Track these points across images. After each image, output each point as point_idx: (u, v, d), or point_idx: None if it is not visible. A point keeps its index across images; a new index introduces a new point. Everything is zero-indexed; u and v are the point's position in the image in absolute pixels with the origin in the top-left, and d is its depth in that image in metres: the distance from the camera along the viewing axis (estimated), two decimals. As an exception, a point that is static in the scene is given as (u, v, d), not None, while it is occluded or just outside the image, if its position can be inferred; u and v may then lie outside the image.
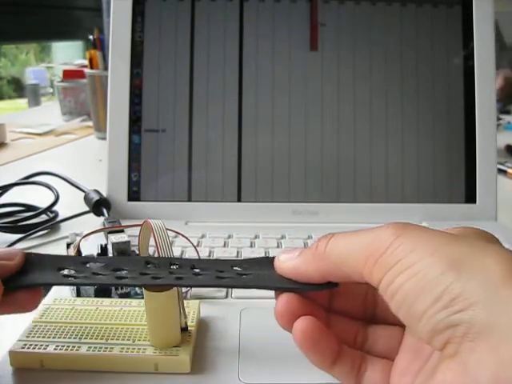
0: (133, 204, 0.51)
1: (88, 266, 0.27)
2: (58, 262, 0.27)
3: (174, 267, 0.27)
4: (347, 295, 0.27)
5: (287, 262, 0.26)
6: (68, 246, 0.42)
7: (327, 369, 0.25)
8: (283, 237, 0.46)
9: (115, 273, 0.26)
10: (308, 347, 0.24)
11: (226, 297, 0.36)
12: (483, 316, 0.18)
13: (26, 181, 0.61)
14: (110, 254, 0.38)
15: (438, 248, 0.21)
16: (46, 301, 0.33)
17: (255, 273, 0.27)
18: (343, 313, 0.27)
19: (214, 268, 0.27)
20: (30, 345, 0.28)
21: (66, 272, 0.26)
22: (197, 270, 0.27)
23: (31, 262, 0.27)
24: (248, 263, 0.28)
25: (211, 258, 0.42)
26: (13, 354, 0.28)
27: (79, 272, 0.26)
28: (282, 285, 0.26)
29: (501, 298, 0.18)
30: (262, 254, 0.43)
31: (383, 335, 0.26)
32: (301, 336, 0.24)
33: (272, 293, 0.38)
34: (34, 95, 1.97)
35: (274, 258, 0.27)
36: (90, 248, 0.40)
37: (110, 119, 0.51)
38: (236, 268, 0.27)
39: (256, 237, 0.46)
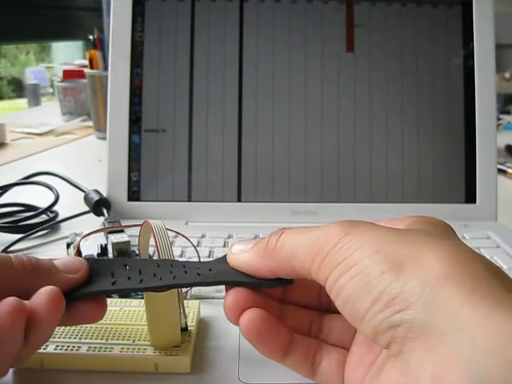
0: (133, 204, 0.51)
1: (126, 268, 0.27)
2: (110, 266, 0.27)
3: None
4: (302, 287, 0.26)
5: (239, 255, 0.25)
6: (68, 245, 0.42)
7: (279, 360, 0.25)
8: (283, 237, 0.46)
9: (139, 276, 0.26)
10: (254, 339, 0.24)
11: (226, 297, 0.36)
12: (422, 316, 0.18)
13: (26, 181, 0.61)
14: (110, 254, 0.38)
15: (382, 246, 0.20)
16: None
17: (217, 268, 0.27)
18: (298, 303, 0.27)
19: (196, 265, 0.27)
20: (30, 345, 0.28)
21: (113, 278, 0.26)
22: (185, 269, 0.27)
23: (92, 269, 0.27)
24: (217, 260, 0.28)
25: (210, 257, 0.42)
26: (13, 354, 0.28)
27: (120, 277, 0.26)
28: (233, 279, 0.25)
29: (439, 298, 0.18)
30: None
31: (338, 324, 0.26)
32: (246, 328, 0.24)
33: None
34: (34, 95, 1.96)
35: None
36: (90, 248, 0.40)
37: (110, 119, 0.51)
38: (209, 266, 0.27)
39: (256, 237, 0.46)
